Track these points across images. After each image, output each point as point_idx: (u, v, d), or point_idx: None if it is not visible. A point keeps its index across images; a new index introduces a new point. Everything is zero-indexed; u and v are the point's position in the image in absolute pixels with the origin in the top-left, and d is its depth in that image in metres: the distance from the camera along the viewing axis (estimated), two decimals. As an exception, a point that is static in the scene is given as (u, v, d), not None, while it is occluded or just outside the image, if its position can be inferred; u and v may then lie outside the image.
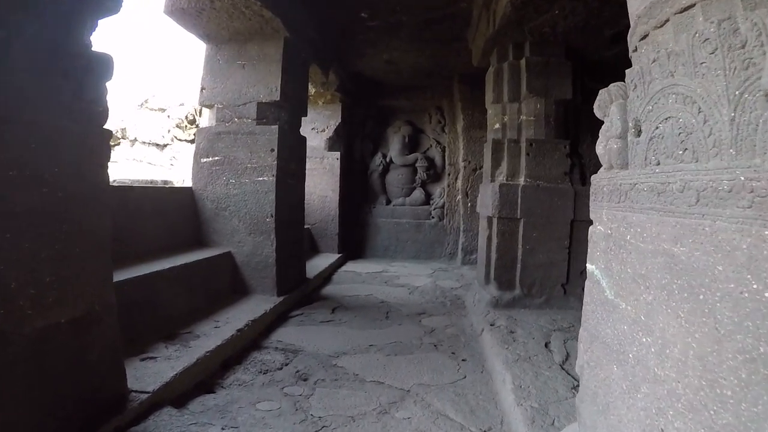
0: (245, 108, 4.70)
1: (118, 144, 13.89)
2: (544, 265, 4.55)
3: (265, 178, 4.56)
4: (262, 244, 4.57)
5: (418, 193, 8.07)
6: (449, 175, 7.87)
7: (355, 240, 8.01)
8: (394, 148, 8.07)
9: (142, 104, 14.08)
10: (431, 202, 8.07)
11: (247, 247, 4.60)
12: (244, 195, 4.60)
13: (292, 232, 5.01)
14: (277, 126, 4.58)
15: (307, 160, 7.10)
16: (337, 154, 7.49)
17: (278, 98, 4.60)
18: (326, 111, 7.63)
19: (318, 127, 7.61)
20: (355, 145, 8.16)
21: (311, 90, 7.02)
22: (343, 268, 7.05)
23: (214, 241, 4.67)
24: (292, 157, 4.91)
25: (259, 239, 4.57)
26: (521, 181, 4.51)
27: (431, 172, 8.04)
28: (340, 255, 7.39)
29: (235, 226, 4.62)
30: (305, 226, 6.90)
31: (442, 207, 7.92)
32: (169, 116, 13.55)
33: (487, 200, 4.68)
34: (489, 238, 4.71)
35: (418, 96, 8.09)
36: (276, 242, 4.54)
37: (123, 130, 13.84)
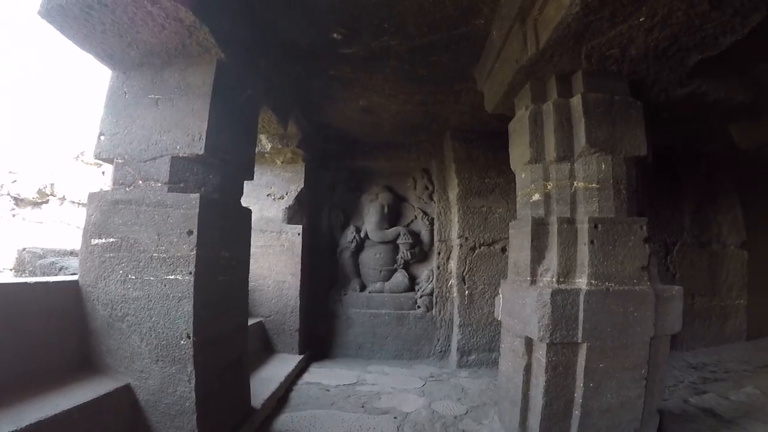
0: (154, 165, 3.13)
1: (46, 202, 11.98)
2: (612, 409, 3.02)
3: (178, 277, 2.92)
4: (175, 378, 2.91)
5: (400, 277, 6.41)
6: (439, 254, 6.27)
7: (321, 335, 6.25)
8: (370, 221, 6.45)
9: (77, 156, 12.27)
10: (417, 287, 6.43)
11: (153, 381, 2.93)
12: (149, 300, 2.95)
13: (227, 351, 3.39)
14: (198, 195, 2.95)
15: (260, 234, 5.56)
16: (299, 227, 5.83)
17: (202, 151, 3.04)
18: (286, 173, 6.03)
19: (275, 194, 5.98)
20: (321, 216, 6.52)
21: (266, 145, 5.46)
22: (306, 377, 5.24)
23: (107, 365, 3.01)
24: (225, 242, 3.30)
25: (171, 370, 2.91)
26: (582, 283, 2.96)
27: (416, 251, 6.42)
28: (301, 356, 5.62)
29: (136, 346, 2.96)
30: (257, 320, 5.66)
31: (431, 294, 6.28)
32: (104, 172, 11.78)
33: (524, 313, 3.07)
34: (528, 370, 3.09)
35: (400, 156, 6.61)
36: (197, 377, 2.89)
37: (51, 185, 11.94)
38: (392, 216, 6.55)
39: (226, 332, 3.32)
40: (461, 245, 5.84)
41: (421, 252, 6.47)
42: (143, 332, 2.91)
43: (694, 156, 6.43)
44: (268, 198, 5.97)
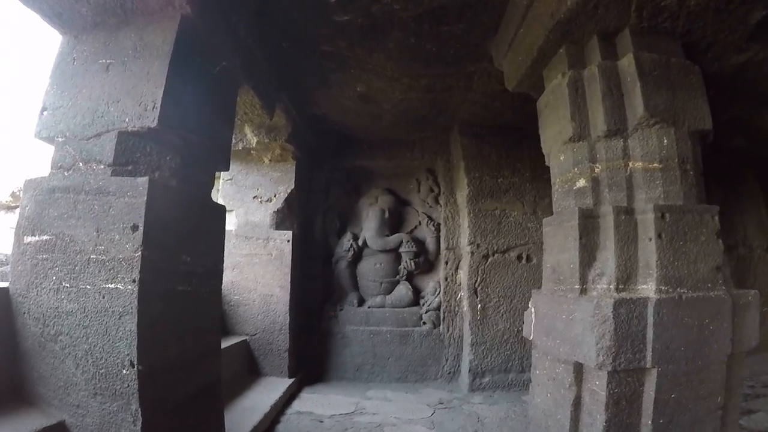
0: (98, 143, 2.49)
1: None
2: (685, 450, 2.28)
3: (119, 286, 2.23)
4: (116, 417, 2.25)
5: (403, 290, 5.71)
6: (447, 263, 5.58)
7: (314, 356, 5.54)
8: (369, 227, 5.77)
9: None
10: (422, 301, 5.73)
11: (91, 419, 2.27)
12: (85, 315, 2.28)
13: (190, 381, 2.72)
14: (147, 179, 2.27)
15: (245, 241, 4.88)
16: (288, 234, 5.14)
17: (155, 123, 2.39)
18: (274, 173, 5.35)
19: (262, 196, 5.29)
20: (314, 221, 5.83)
21: (252, 139, 4.80)
22: (296, 405, 4.54)
23: (40, 395, 2.35)
24: (187, 244, 2.65)
25: (112, 407, 2.25)
26: (649, 290, 2.30)
27: (421, 260, 5.73)
28: (291, 380, 4.92)
29: (71, 374, 2.29)
30: (241, 338, 4.96)
31: (438, 308, 5.58)
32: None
33: (572, 331, 2.39)
34: (577, 405, 2.42)
35: (402, 154, 5.95)
36: (144, 416, 2.24)
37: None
38: (394, 221, 5.88)
39: (189, 357, 2.64)
40: (472, 253, 5.16)
41: (426, 262, 5.78)
42: (78, 356, 2.24)
43: (715, 150, 5.81)
44: (255, 200, 5.29)
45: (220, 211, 3.08)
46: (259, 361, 5.02)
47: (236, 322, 5.06)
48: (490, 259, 5.18)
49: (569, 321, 2.39)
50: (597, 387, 2.24)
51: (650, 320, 2.17)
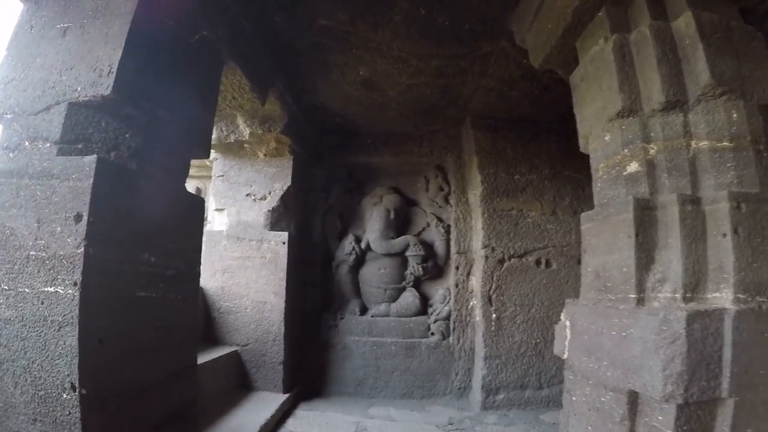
0: (46, 118, 2.09)
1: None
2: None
3: (58, 290, 1.75)
4: None
5: (409, 297, 5.23)
6: (458, 268, 5.11)
7: (312, 369, 5.07)
8: (372, 228, 5.29)
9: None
10: (430, 310, 5.25)
11: None
12: (23, 325, 1.86)
13: (155, 408, 2.31)
14: (95, 158, 1.84)
15: (236, 243, 4.45)
16: (284, 235, 4.69)
17: (109, 91, 1.97)
18: (269, 168, 4.90)
19: (256, 194, 4.84)
20: (313, 222, 5.37)
21: (244, 131, 4.38)
22: (290, 424, 4.09)
23: None
24: (152, 240, 2.21)
25: None
26: (725, 299, 1.81)
27: (429, 265, 5.25)
28: (286, 396, 4.45)
29: (10, 394, 1.88)
30: (231, 349, 4.47)
31: (447, 318, 5.10)
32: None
33: (627, 351, 1.92)
34: (632, 441, 1.89)
35: (409, 150, 5.49)
36: None
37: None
38: (400, 223, 5.42)
39: (153, 378, 2.19)
40: (486, 257, 4.69)
41: (435, 266, 5.30)
42: (17, 374, 1.84)
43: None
44: (248, 198, 4.84)
45: (197, 205, 2.64)
46: (250, 375, 4.55)
47: (226, 331, 4.60)
48: (505, 264, 4.71)
49: (622, 339, 1.91)
50: (659, 423, 1.76)
51: (728, 337, 1.69)
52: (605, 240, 2.18)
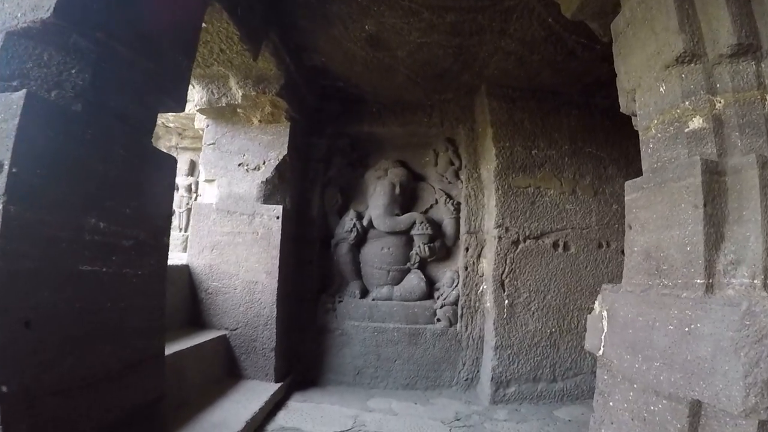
0: None
1: None
2: None
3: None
4: None
5: (414, 280, 4.84)
6: (467, 250, 4.71)
7: (307, 355, 4.70)
8: (376, 204, 4.89)
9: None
10: (436, 294, 4.85)
11: None
12: None
13: (105, 406, 1.90)
14: (24, 93, 1.46)
15: (227, 217, 4.40)
16: (278, 208, 4.29)
17: (50, 14, 1.60)
18: (264, 136, 4.48)
19: (249, 163, 4.42)
20: (311, 196, 4.95)
21: (236, 92, 4.01)
22: (281, 418, 3.72)
23: None
24: (102, 202, 1.76)
25: None
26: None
27: (437, 245, 4.85)
28: (278, 385, 4.09)
29: None
30: (219, 333, 4.09)
31: (455, 303, 4.71)
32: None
33: (690, 352, 1.50)
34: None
35: (418, 120, 5.03)
36: None
37: None
38: (406, 199, 5.00)
39: (104, 371, 1.80)
40: (500, 238, 4.28)
41: (442, 247, 4.89)
42: None
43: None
44: (240, 168, 4.42)
45: (166, 163, 2.23)
46: (240, 362, 4.17)
47: (214, 313, 4.22)
48: (520, 246, 4.30)
49: (683, 335, 1.51)
50: (737, 446, 1.37)
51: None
52: (660, 212, 1.76)
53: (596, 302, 2.14)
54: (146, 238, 2.10)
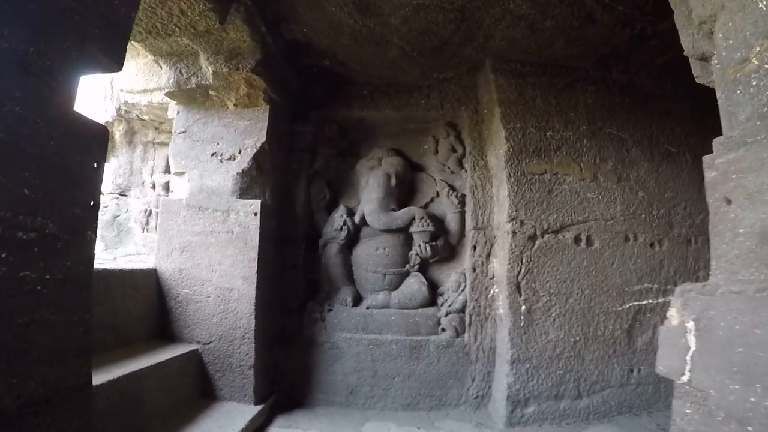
0: None
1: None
2: None
3: None
4: None
5: (414, 284, 4.25)
6: (475, 248, 4.12)
7: (292, 372, 4.10)
8: (369, 198, 4.30)
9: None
10: (440, 300, 4.27)
11: None
12: None
13: None
14: None
15: (198, 214, 3.82)
16: (256, 204, 3.72)
17: None
18: (240, 122, 3.91)
19: (223, 152, 3.85)
20: (295, 190, 4.35)
21: (207, 71, 3.63)
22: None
23: None
24: None
25: None
26: None
27: (439, 244, 4.27)
28: (259, 408, 3.51)
29: None
30: (190, 348, 3.53)
31: (462, 310, 4.12)
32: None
33: None
34: None
35: (415, 102, 4.44)
36: None
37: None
38: (403, 192, 4.42)
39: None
40: (514, 233, 3.70)
41: (446, 246, 4.31)
42: None
43: None
44: (213, 159, 3.84)
45: (91, 134, 1.67)
46: (214, 381, 3.59)
47: (184, 324, 3.64)
48: (537, 242, 3.72)
49: None
50: None
51: None
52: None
53: (672, 309, 1.55)
54: (57, 231, 1.54)
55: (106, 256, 5.01)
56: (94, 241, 1.77)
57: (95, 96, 4.99)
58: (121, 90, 4.34)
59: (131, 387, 2.70)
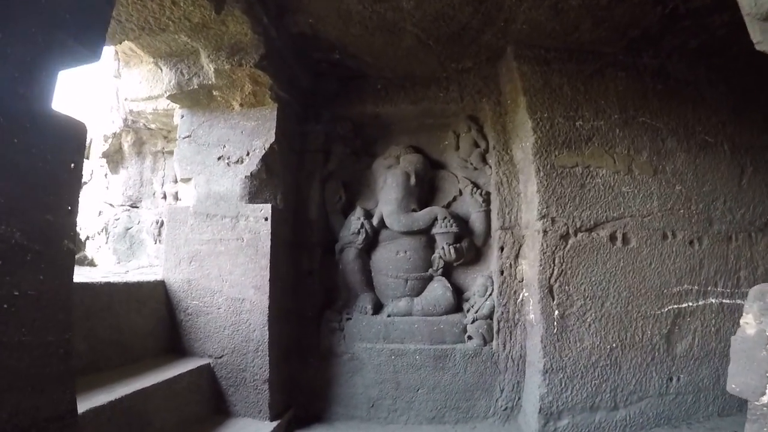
0: None
1: None
2: None
3: None
4: None
5: (439, 289, 3.99)
6: (502, 249, 3.85)
7: (310, 385, 3.89)
8: (387, 199, 4.06)
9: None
10: (466, 306, 4.01)
11: None
12: None
13: None
14: None
15: (206, 222, 3.61)
16: (267, 208, 3.51)
17: None
18: (247, 122, 3.71)
19: (230, 156, 3.65)
20: (309, 193, 4.12)
21: (209, 69, 3.51)
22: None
23: None
24: None
25: None
26: None
27: (464, 246, 4.01)
28: (275, 423, 3.32)
29: None
30: (202, 362, 3.34)
31: (490, 316, 3.86)
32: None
33: None
34: None
35: (433, 95, 4.17)
36: None
37: None
38: (423, 191, 4.18)
39: None
40: (545, 232, 3.43)
41: (471, 248, 4.04)
42: None
43: None
44: (220, 163, 3.64)
45: (64, 129, 1.45)
46: (227, 396, 3.40)
47: (195, 338, 3.46)
48: (570, 241, 3.44)
49: None
50: None
51: None
52: None
53: (748, 316, 1.29)
54: (25, 241, 1.34)
55: (118, 270, 4.88)
56: (72, 252, 1.57)
57: (103, 108, 4.93)
58: (126, 99, 4.19)
59: (136, 406, 2.53)
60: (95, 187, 5.47)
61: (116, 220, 5.25)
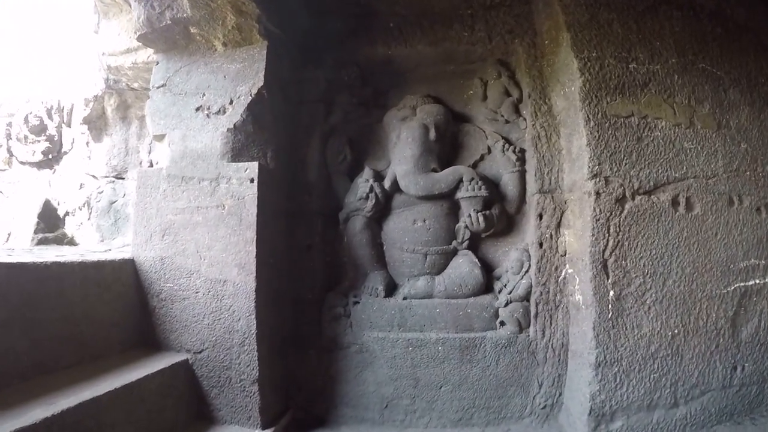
0: None
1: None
2: None
3: None
4: None
5: (465, 266, 3.38)
6: (541, 217, 3.24)
7: (311, 382, 3.30)
8: (402, 157, 3.44)
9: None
10: (497, 285, 3.41)
11: None
12: None
13: None
14: None
15: (181, 186, 3.01)
16: (253, 167, 2.87)
17: None
18: (231, 65, 3.07)
19: (210, 105, 3.02)
20: (306, 151, 3.47)
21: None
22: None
23: None
24: None
25: None
26: None
27: (494, 213, 3.39)
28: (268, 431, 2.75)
29: None
30: (179, 358, 2.78)
31: (526, 298, 3.27)
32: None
33: None
34: None
35: (455, 36, 3.52)
36: None
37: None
38: (444, 148, 3.55)
39: None
40: (597, 194, 2.81)
41: (502, 215, 3.42)
42: None
43: None
44: (198, 114, 3.01)
45: None
46: (209, 399, 2.81)
47: (170, 329, 2.87)
48: (627, 206, 2.83)
49: None
50: None
51: None
52: None
53: None
54: None
55: (99, 248, 4.35)
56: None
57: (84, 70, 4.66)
58: (104, 53, 3.72)
59: (84, 421, 1.94)
60: (76, 157, 5.04)
61: (99, 193, 4.86)
